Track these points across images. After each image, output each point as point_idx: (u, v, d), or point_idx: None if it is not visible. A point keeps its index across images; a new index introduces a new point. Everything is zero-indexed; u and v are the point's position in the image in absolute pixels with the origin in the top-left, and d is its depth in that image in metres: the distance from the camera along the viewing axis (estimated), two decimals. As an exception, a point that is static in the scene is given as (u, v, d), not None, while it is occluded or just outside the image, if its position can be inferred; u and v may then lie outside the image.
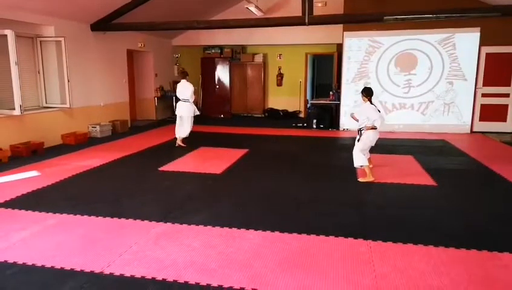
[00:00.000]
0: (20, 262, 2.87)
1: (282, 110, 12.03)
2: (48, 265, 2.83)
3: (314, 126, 9.58)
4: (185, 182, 5.00)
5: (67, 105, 7.40)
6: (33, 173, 5.33)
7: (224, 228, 3.50)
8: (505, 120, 8.92)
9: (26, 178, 5.10)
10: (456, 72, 8.87)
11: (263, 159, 6.38)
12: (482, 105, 8.98)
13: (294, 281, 2.63)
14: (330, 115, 9.65)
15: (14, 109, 6.23)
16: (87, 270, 2.76)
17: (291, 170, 5.63)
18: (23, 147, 6.34)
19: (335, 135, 8.96)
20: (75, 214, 3.81)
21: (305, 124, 9.85)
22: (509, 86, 8.78)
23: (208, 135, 8.70)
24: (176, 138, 7.25)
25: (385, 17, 7.09)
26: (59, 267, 2.80)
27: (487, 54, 8.77)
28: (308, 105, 10.64)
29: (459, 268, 2.80)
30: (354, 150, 5.20)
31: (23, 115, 6.49)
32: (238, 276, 2.69)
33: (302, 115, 11.92)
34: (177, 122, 7.23)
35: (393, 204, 4.24)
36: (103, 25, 8.05)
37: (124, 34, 8.99)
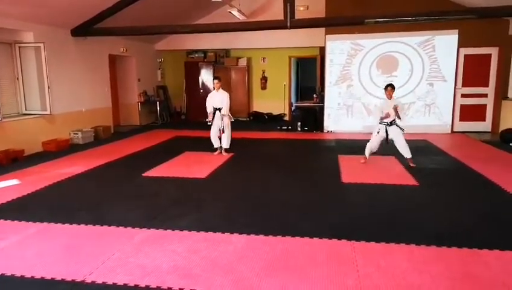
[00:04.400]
0: (-1, 273, 2.81)
1: (267, 114, 12.06)
2: (28, 275, 2.77)
3: (299, 129, 9.64)
4: (169, 187, 4.96)
5: (48, 111, 7.28)
6: (13, 182, 5.22)
7: (209, 232, 3.48)
8: (484, 120, 9.14)
9: (6, 187, 4.99)
10: (436, 74, 9.05)
11: (248, 162, 6.39)
12: (461, 105, 9.18)
13: (278, 284, 2.63)
14: (314, 118, 9.72)
15: (-8, 116, 6.11)
16: (69, 279, 2.71)
17: (276, 173, 5.65)
18: (3, 155, 6.21)
19: (319, 137, 9.03)
20: (56, 223, 3.75)
21: (289, 127, 9.90)
22: (488, 86, 9.01)
23: (192, 139, 8.66)
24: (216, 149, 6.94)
25: (366, 20, 7.20)
26: (39, 277, 2.74)
27: (466, 55, 8.98)
28: (293, 108, 10.70)
29: (440, 266, 2.85)
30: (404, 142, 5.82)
31: (2, 122, 6.37)
32: (222, 280, 2.68)
33: (286, 118, 11.98)
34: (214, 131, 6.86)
35: (376, 204, 4.29)
36: (84, 30, 7.96)
37: (105, 38, 8.90)
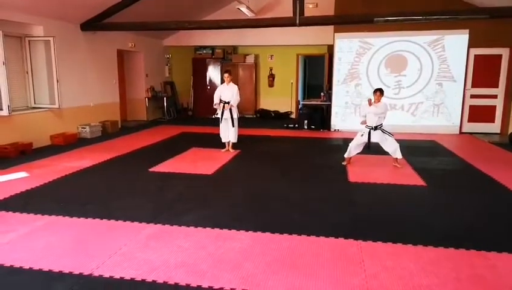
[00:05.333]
0: (7, 264, 2.84)
1: (274, 111, 12.05)
2: (36, 267, 2.80)
3: (306, 127, 9.61)
4: (175, 183, 4.98)
5: (57, 105, 7.32)
6: (21, 174, 5.26)
7: (215, 228, 3.49)
8: (493, 121, 9.04)
9: (15, 179, 5.04)
10: (445, 74, 8.97)
11: (255, 159, 6.38)
12: (470, 106, 9.10)
13: (284, 282, 2.63)
14: (321, 116, 9.69)
15: (1, 109, 6.15)
16: (76, 272, 2.73)
17: (283, 171, 5.64)
18: (11, 148, 6.26)
19: (326, 135, 9.00)
20: (64, 216, 3.77)
21: (296, 125, 9.88)
22: (497, 87, 8.91)
23: (199, 135, 8.68)
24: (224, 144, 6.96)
25: (375, 19, 7.15)
26: (47, 270, 2.77)
27: (476, 56, 8.88)
28: (300, 106, 10.67)
29: (447, 267, 2.83)
30: (395, 143, 5.70)
31: (11, 115, 6.41)
32: (229, 277, 2.68)
33: (293, 116, 11.95)
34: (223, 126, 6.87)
35: (383, 204, 4.27)
36: (93, 24, 7.99)
37: (114, 34, 8.93)
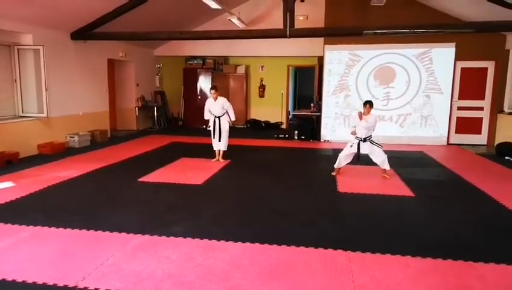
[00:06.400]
0: (-10, 276, 2.77)
1: (264, 121, 12.08)
2: (19, 279, 2.73)
3: (296, 137, 9.65)
4: (164, 193, 4.94)
5: (45, 114, 7.24)
6: (7, 184, 5.17)
7: (204, 239, 3.46)
8: (479, 133, 9.19)
9: (0, 189, 4.95)
10: (433, 86, 9.12)
11: (244, 170, 6.37)
12: (457, 118, 9.24)
13: (273, 293, 2.61)
14: (311, 127, 9.74)
15: (-12, 117, 6.07)
16: (61, 284, 2.67)
17: (272, 181, 5.64)
18: (-3, 157, 6.17)
19: (316, 146, 9.04)
20: (50, 227, 3.71)
21: (286, 135, 9.91)
22: (483, 99, 9.07)
23: (189, 145, 8.65)
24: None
25: (364, 31, 7.26)
26: (31, 282, 2.71)
27: (462, 69, 9.05)
28: (290, 116, 10.73)
29: (435, 278, 2.84)
30: (383, 154, 5.76)
31: (-2, 124, 6.33)
32: (217, 288, 2.65)
33: (283, 126, 11.99)
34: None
35: (372, 215, 4.28)
36: (84, 33, 7.97)
37: (105, 43, 8.91)
